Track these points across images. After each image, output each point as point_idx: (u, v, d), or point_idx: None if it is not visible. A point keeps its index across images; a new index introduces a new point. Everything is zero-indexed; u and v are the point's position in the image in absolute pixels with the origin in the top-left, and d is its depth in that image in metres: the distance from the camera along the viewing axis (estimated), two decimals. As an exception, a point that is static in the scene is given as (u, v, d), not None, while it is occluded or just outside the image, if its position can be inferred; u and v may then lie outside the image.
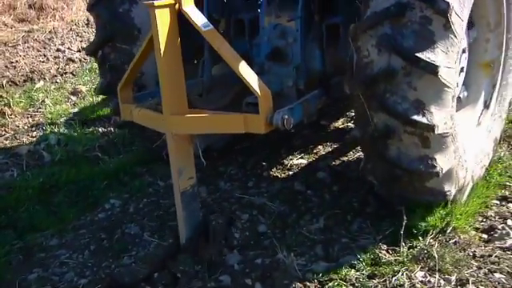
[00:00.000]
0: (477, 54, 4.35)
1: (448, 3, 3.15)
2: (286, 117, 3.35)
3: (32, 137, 5.74)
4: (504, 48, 4.41)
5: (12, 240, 4.06)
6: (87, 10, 4.70)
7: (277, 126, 3.35)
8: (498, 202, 4.20)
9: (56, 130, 5.78)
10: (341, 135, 5.39)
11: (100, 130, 5.80)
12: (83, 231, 4.15)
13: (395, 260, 3.58)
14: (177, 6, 3.32)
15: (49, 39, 9.04)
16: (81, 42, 9.07)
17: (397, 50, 3.26)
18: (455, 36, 3.32)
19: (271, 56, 4.29)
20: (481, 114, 4.39)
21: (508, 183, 4.41)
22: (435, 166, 3.48)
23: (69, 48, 8.71)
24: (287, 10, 4.23)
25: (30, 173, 4.98)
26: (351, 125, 5.55)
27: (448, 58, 3.32)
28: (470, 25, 4.16)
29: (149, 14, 3.27)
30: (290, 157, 5.05)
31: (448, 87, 3.38)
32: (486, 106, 4.42)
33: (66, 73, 7.65)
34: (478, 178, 4.17)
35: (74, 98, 6.75)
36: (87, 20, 10.05)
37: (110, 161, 5.13)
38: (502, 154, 4.74)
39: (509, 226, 3.90)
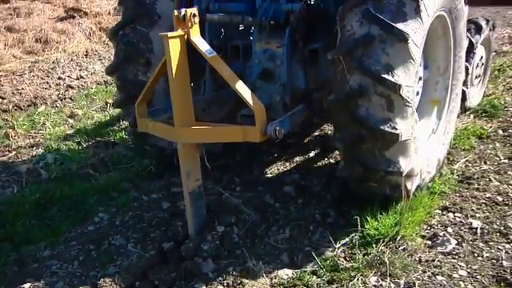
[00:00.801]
0: (428, 91, 4.43)
1: None
2: (278, 128, 3.49)
3: (32, 156, 5.50)
4: (449, 91, 4.55)
5: (8, 252, 3.83)
6: (118, 4, 4.73)
7: (270, 135, 3.50)
8: (439, 212, 4.08)
9: (54, 150, 5.55)
10: (305, 153, 5.22)
11: (92, 149, 5.57)
12: (73, 243, 3.94)
13: (351, 266, 3.45)
14: (186, 36, 3.44)
15: (52, 68, 8.84)
16: (80, 70, 8.86)
17: (376, 20, 3.41)
18: (422, 22, 3.51)
19: (262, 76, 4.31)
20: (429, 136, 4.39)
21: (448, 195, 4.29)
22: (396, 129, 3.48)
23: (69, 76, 8.50)
24: (276, 37, 4.26)
25: (29, 189, 4.74)
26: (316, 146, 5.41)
27: (416, 36, 3.47)
28: (425, 66, 4.27)
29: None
30: (261, 173, 4.88)
31: (413, 60, 3.48)
32: (434, 132, 4.45)
33: (65, 98, 7.41)
34: (424, 180, 4.11)
35: (71, 121, 6.51)
36: (86, 51, 9.93)
37: (101, 178, 4.90)
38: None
39: (449, 233, 3.80)
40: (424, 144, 4.16)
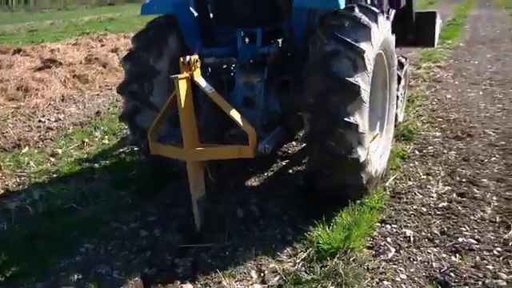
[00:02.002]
0: (371, 128, 4.44)
1: (378, 11, 4.04)
2: (267, 146, 3.75)
3: (19, 193, 5.02)
4: (384, 131, 4.76)
5: (1, 287, 3.42)
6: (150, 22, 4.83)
7: (261, 152, 3.72)
8: (379, 224, 3.99)
9: (39, 187, 5.10)
10: (261, 179, 5.02)
11: (73, 185, 5.14)
12: (63, 273, 3.55)
13: (312, 278, 3.28)
14: (190, 77, 3.62)
15: (33, 113, 8.33)
16: (57, 113, 8.36)
17: (350, 16, 3.80)
18: (378, 27, 3.95)
19: (244, 103, 4.35)
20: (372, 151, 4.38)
21: (384, 209, 4.21)
22: (357, 82, 3.64)
23: (48, 119, 8.00)
24: (255, 73, 4.35)
25: (18, 225, 4.32)
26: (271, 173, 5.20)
27: (376, 30, 3.87)
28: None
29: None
30: (225, 198, 4.55)
31: (373, 46, 3.84)
32: (373, 152, 4.37)
33: (46, 139, 6.89)
34: (368, 167, 4.03)
35: (52, 160, 6.03)
36: (62, 97, 9.47)
37: (83, 211, 4.52)
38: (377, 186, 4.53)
39: (388, 242, 3.72)
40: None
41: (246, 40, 4.52)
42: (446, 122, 6.53)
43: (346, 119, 3.62)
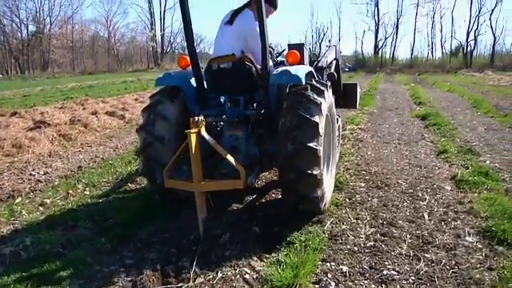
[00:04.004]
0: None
1: (324, 88, 4.56)
2: (253, 180, 4.38)
3: (13, 239, 4.63)
4: (330, 172, 5.15)
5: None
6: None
7: (249, 185, 4.27)
8: (321, 263, 3.94)
9: (30, 234, 4.71)
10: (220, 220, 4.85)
11: (60, 231, 4.81)
12: (53, 313, 3.26)
13: (270, 311, 3.17)
14: (198, 132, 4.02)
15: (24, 167, 7.88)
16: (45, 168, 7.91)
17: (305, 95, 4.32)
18: (325, 100, 4.45)
19: (231, 149, 4.66)
20: None
21: (324, 250, 4.17)
22: (316, 146, 4.17)
23: (38, 172, 7.56)
24: (239, 128, 4.80)
25: (12, 268, 3.98)
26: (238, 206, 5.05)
27: (323, 102, 4.38)
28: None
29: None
30: (191, 243, 4.27)
31: (323, 115, 4.32)
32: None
33: (36, 190, 6.47)
34: (321, 183, 4.42)
35: (41, 209, 5.63)
36: (49, 153, 9.04)
37: (69, 255, 4.22)
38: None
39: (329, 278, 3.68)
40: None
41: (232, 104, 4.97)
42: (369, 174, 6.68)
43: (307, 172, 4.18)
